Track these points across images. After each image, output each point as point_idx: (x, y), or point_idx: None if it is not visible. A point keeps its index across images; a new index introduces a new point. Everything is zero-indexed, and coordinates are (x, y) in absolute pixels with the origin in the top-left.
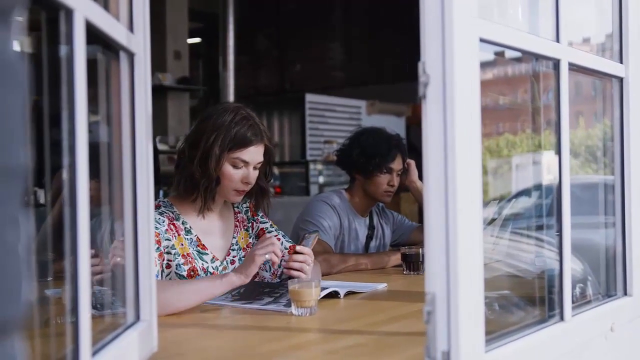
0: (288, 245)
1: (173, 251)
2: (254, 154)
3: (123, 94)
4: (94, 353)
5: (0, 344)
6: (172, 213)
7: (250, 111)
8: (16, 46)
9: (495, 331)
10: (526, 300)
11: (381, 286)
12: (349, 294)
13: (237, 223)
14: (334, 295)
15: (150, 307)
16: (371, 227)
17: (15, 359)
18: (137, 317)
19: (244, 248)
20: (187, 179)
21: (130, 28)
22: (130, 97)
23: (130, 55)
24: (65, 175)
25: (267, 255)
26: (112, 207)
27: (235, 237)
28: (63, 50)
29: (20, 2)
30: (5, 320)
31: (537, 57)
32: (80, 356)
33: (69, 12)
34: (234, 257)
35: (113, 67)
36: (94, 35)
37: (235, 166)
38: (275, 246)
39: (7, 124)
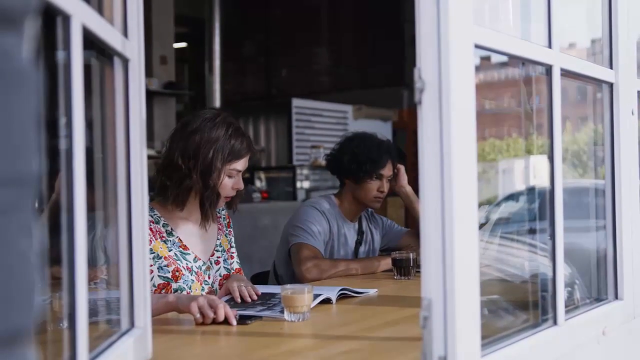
0: (236, 266)
1: (151, 255)
2: (245, 162)
3: (117, 99)
4: None
5: (15, 352)
6: (152, 216)
7: (235, 121)
8: (28, 54)
9: (490, 336)
10: (518, 304)
11: (373, 291)
12: (342, 297)
13: (220, 226)
14: (326, 300)
15: (145, 314)
16: (360, 232)
17: None
18: (132, 324)
19: (227, 250)
20: (185, 191)
21: (125, 33)
22: (125, 102)
23: (125, 61)
24: (62, 181)
25: (197, 315)
26: (104, 212)
27: (219, 239)
28: (59, 55)
29: (32, 10)
30: (19, 329)
31: (530, 62)
32: None
33: (66, 18)
34: (218, 257)
35: (107, 73)
36: (89, 41)
37: (230, 176)
38: (217, 312)
39: (20, 132)
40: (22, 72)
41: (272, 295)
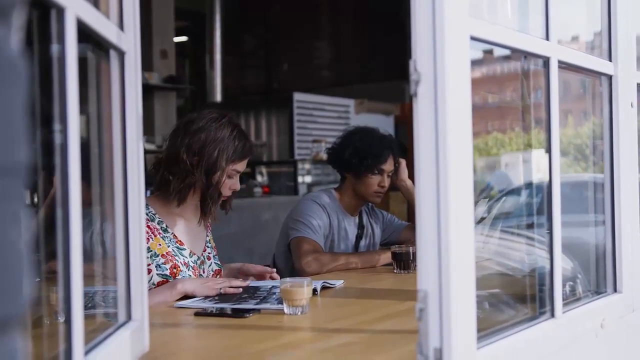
0: (215, 267)
1: (149, 253)
2: (245, 164)
3: (113, 93)
4: (86, 352)
5: (3, 340)
6: (147, 214)
7: (238, 123)
8: (16, 44)
9: (487, 328)
10: (517, 297)
11: (339, 283)
12: (323, 288)
13: (208, 225)
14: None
15: (142, 306)
16: (361, 227)
17: (17, 355)
18: (129, 317)
19: (214, 247)
20: (187, 187)
21: (121, 26)
22: (121, 96)
23: (121, 54)
24: (57, 175)
25: (221, 290)
26: (101, 207)
27: (208, 236)
28: (54, 48)
29: (19, 1)
30: (7, 317)
31: (527, 54)
32: (73, 356)
33: (61, 11)
34: (209, 253)
35: (103, 66)
36: (84, 34)
37: (229, 176)
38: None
39: (8, 122)
40: (10, 63)
41: (257, 288)
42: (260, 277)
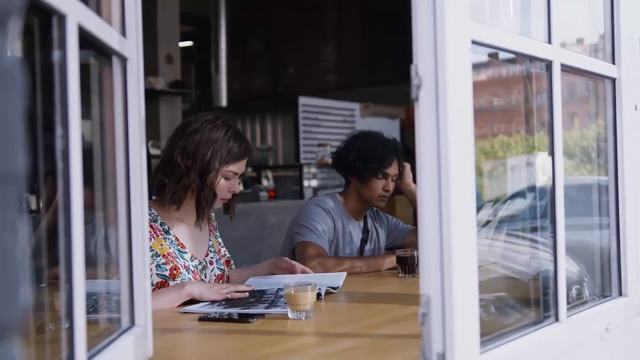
0: (218, 272)
1: (151, 252)
2: (242, 166)
3: (116, 99)
4: (89, 358)
5: (0, 348)
6: (150, 215)
7: (234, 124)
8: (13, 52)
9: (490, 333)
10: (521, 301)
11: (342, 278)
12: (327, 293)
13: (211, 229)
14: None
15: (145, 312)
16: (365, 231)
17: None
18: (132, 322)
19: (218, 251)
20: (183, 189)
21: (123, 33)
22: (123, 102)
23: (123, 60)
24: (58, 181)
25: (228, 295)
26: (105, 213)
27: (211, 241)
28: (56, 55)
29: (17, 8)
30: (4, 325)
31: (530, 58)
32: None
33: (62, 18)
34: (211, 258)
35: (105, 72)
36: (86, 40)
37: (226, 178)
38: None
39: (5, 130)
40: (8, 71)
41: (263, 292)
42: (289, 271)
